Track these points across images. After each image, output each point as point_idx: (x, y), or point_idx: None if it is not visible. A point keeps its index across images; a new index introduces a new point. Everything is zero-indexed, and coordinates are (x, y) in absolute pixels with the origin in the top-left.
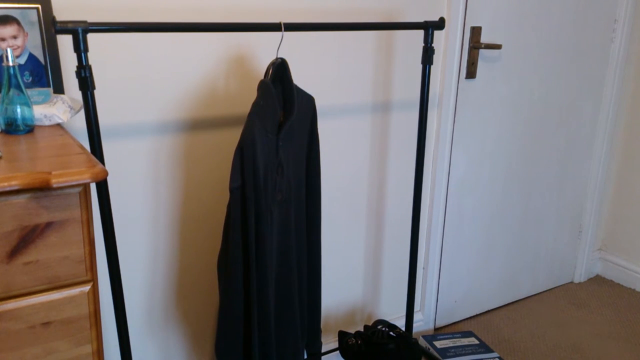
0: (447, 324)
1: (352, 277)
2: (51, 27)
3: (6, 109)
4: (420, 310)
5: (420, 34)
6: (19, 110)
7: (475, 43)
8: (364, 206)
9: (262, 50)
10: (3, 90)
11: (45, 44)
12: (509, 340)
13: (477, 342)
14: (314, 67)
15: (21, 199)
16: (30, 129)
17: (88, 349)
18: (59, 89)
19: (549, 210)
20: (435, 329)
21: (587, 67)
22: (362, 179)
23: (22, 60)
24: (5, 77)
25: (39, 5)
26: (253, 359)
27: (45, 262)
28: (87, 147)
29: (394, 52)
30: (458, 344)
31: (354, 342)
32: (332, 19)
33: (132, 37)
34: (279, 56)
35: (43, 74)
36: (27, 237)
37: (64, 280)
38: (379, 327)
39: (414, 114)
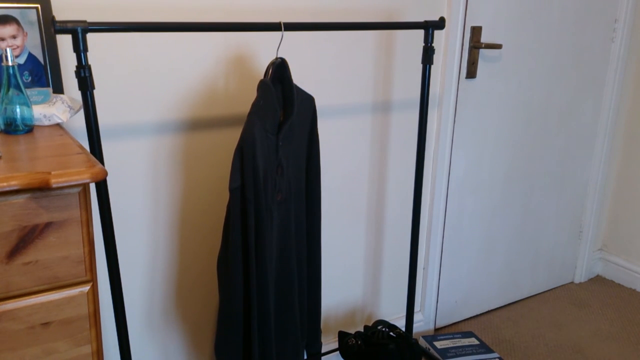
0: (447, 324)
1: (352, 278)
2: (50, 27)
3: (5, 108)
4: (420, 310)
5: (420, 33)
6: (18, 110)
7: (476, 43)
8: (364, 206)
9: (262, 50)
10: (2, 90)
11: (45, 43)
12: (510, 340)
13: (477, 342)
14: (314, 67)
15: (20, 199)
16: (29, 128)
17: (87, 349)
18: (58, 89)
19: (549, 210)
20: (436, 329)
21: (587, 67)
22: (362, 179)
23: (22, 60)
24: (5, 76)
25: (39, 5)
26: (253, 359)
27: (44, 262)
28: (87, 147)
29: (394, 52)
30: (458, 344)
31: (354, 342)
32: (332, 19)
33: (132, 36)
34: (278, 56)
35: (42, 73)
36: (27, 237)
37: (64, 281)
38: (379, 327)
39: (414, 114)
